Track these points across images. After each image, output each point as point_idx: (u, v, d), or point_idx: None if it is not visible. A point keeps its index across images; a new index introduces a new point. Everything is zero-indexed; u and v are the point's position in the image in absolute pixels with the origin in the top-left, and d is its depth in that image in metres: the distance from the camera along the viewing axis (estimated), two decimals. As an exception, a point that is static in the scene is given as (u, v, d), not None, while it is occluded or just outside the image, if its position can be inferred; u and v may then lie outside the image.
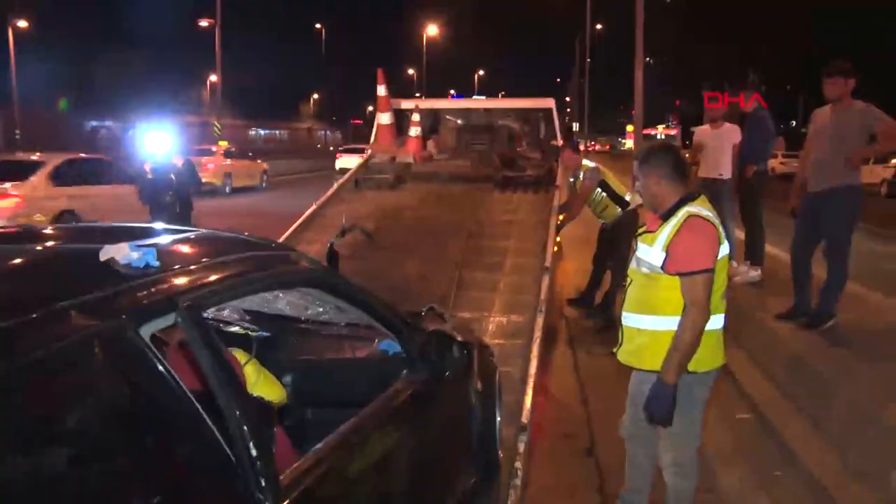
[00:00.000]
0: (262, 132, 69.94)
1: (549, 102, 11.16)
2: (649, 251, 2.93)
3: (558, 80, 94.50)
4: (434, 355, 2.75)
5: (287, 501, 1.69)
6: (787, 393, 4.88)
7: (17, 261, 1.89)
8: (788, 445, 4.23)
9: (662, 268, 2.87)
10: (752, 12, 45.34)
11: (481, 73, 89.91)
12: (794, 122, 38.27)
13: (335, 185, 8.66)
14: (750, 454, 4.25)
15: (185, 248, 2.17)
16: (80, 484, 1.33)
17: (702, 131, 7.91)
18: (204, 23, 39.81)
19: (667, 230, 2.89)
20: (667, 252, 2.86)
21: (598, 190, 6.88)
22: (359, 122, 70.45)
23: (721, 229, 2.95)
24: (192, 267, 1.91)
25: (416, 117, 10.02)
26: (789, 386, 4.92)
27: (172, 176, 7.60)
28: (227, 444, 1.62)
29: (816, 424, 4.35)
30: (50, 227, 3.06)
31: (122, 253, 1.77)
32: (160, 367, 1.58)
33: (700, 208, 2.91)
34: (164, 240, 2.15)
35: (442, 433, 2.85)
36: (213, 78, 45.92)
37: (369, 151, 10.20)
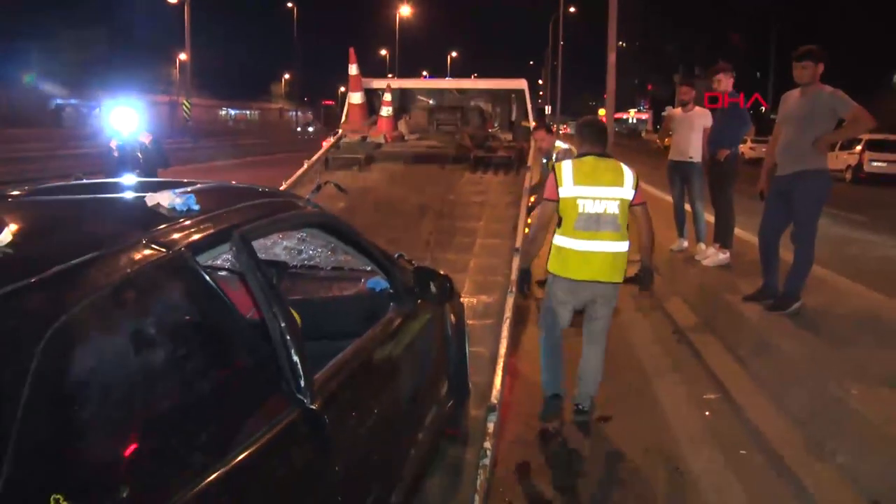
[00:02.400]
0: (232, 112, 69.11)
1: (522, 83, 11.12)
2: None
3: (531, 62, 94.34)
4: (417, 288, 3.13)
5: (320, 399, 2.04)
6: (754, 374, 4.92)
7: (83, 208, 2.25)
8: (754, 425, 4.27)
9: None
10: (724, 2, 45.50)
11: (454, 54, 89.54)
12: (764, 108, 38.56)
13: (305, 165, 8.56)
14: (717, 434, 4.28)
15: (216, 195, 2.46)
16: (164, 380, 1.63)
17: (672, 114, 7.93)
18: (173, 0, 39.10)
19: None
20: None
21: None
22: (331, 102, 69.77)
23: (566, 175, 4.04)
24: (231, 208, 2.24)
25: (387, 97, 9.93)
26: (756, 367, 4.97)
27: (139, 154, 7.44)
28: (273, 352, 1.97)
29: (781, 405, 4.39)
30: (85, 182, 3.31)
31: (167, 199, 2.07)
32: (215, 288, 1.88)
33: (565, 161, 4.21)
34: (195, 189, 2.37)
35: (426, 357, 3.30)
36: (183, 56, 45.24)
37: (340, 130, 10.10)
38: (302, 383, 1.98)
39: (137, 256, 1.69)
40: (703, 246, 7.61)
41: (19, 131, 30.59)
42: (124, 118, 7.42)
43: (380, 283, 3.37)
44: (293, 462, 1.92)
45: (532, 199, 7.40)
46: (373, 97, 10.35)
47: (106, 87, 34.73)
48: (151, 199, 2.10)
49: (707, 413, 4.60)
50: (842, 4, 36.84)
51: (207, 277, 1.86)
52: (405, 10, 66.74)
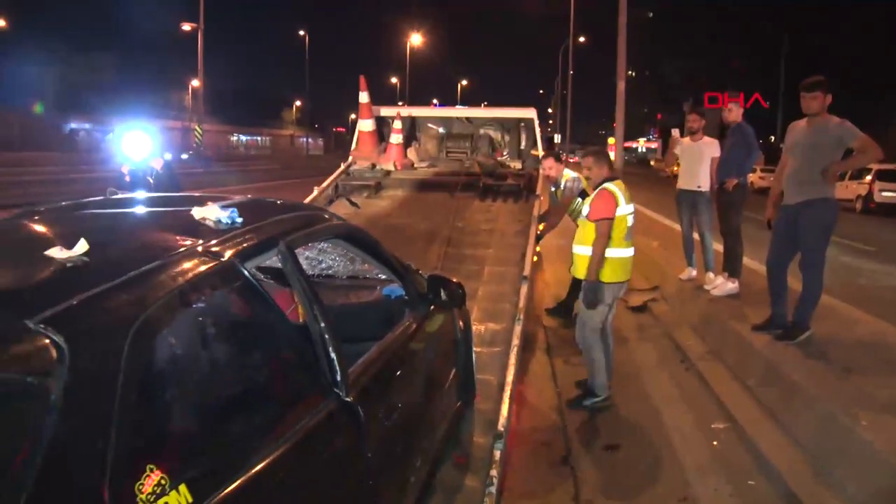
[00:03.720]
0: (243, 138, 69.66)
1: (531, 112, 11.19)
2: (585, 207, 5.02)
3: (541, 91, 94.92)
4: (431, 294, 3.43)
5: (354, 392, 2.27)
6: (763, 403, 4.91)
7: (139, 221, 2.50)
8: (762, 454, 4.26)
9: (587, 217, 4.91)
10: (732, 29, 45.79)
11: (465, 83, 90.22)
12: (773, 138, 38.60)
13: (315, 192, 8.62)
14: (725, 463, 4.27)
15: (254, 208, 2.66)
16: (224, 370, 1.88)
17: (678, 141, 7.95)
18: (187, 27, 39.64)
19: (593, 195, 4.95)
20: (589, 207, 4.93)
21: (579, 200, 6.90)
22: (341, 129, 70.33)
23: (621, 196, 4.85)
24: (270, 220, 2.47)
25: (397, 125, 10.01)
26: (764, 396, 4.96)
27: (150, 179, 7.51)
28: (313, 349, 2.22)
29: (790, 434, 4.38)
30: (120, 197, 3.57)
31: (213, 213, 2.27)
32: (262, 292, 2.10)
33: (610, 184, 4.92)
34: (234, 203, 2.58)
35: (440, 357, 3.58)
36: (196, 83, 45.74)
37: (350, 158, 10.18)
38: (338, 378, 2.23)
39: (196, 264, 1.90)
40: (711, 275, 7.60)
41: (33, 155, 30.93)
42: (136, 143, 7.48)
43: (395, 290, 3.68)
44: (333, 446, 2.16)
45: (541, 227, 7.43)
46: (383, 125, 10.43)
47: (119, 111, 35.11)
48: (198, 212, 2.30)
49: (715, 442, 4.58)
50: (852, 33, 37.02)
51: (255, 283, 2.08)
52: (416, 39, 67.46)
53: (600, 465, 4.30)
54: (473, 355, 4.26)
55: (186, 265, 1.87)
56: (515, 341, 4.98)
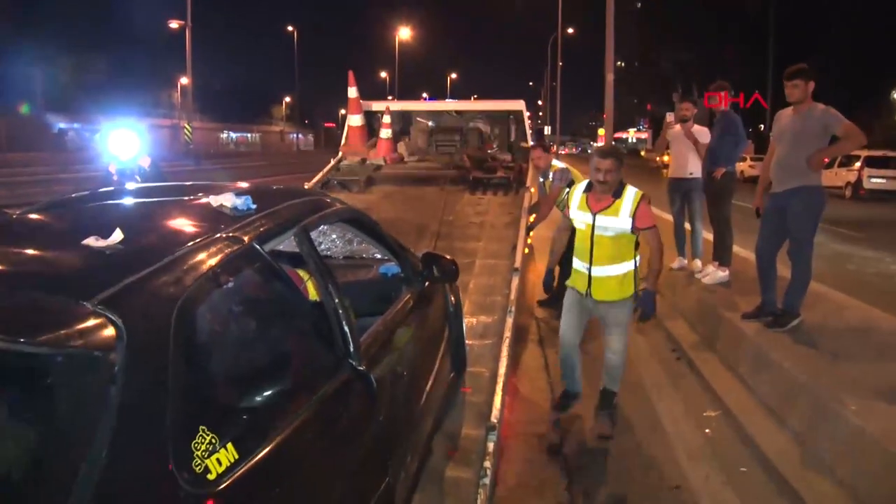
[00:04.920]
0: (233, 135, 69.41)
1: (520, 104, 11.20)
2: (616, 220, 4.35)
3: (531, 83, 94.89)
4: (426, 271, 3.65)
5: (365, 361, 2.47)
6: (753, 390, 4.94)
7: (162, 211, 2.61)
8: (754, 441, 4.28)
9: (632, 229, 4.33)
10: (721, 18, 45.74)
11: (454, 76, 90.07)
12: (763, 126, 38.68)
13: (305, 186, 8.61)
14: (717, 451, 4.30)
15: (265, 195, 2.74)
16: (255, 341, 2.11)
17: (671, 127, 7.96)
18: (175, 24, 39.42)
19: (627, 204, 4.34)
20: (633, 217, 4.31)
21: (567, 190, 6.90)
22: (332, 125, 70.16)
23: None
24: (282, 205, 2.63)
25: (386, 119, 10.01)
26: (755, 383, 4.98)
27: (138, 178, 7.47)
28: (328, 324, 2.40)
29: (781, 421, 4.41)
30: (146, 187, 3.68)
31: (229, 200, 2.40)
32: (281, 273, 2.30)
33: (637, 189, 4.43)
34: (247, 190, 2.74)
35: (435, 331, 3.82)
36: (184, 80, 45.52)
37: (340, 153, 10.16)
38: (352, 349, 2.42)
39: (222, 247, 2.05)
40: (698, 263, 7.63)
41: (22, 156, 30.69)
42: (122, 142, 7.44)
43: (391, 268, 3.98)
44: (350, 410, 2.36)
45: (532, 218, 7.43)
46: (372, 119, 10.43)
47: (107, 110, 34.89)
48: (215, 200, 2.44)
49: (707, 430, 4.61)
50: (841, 20, 37.06)
51: (275, 264, 2.27)
52: (405, 33, 67.30)
53: (593, 456, 4.32)
54: (464, 328, 4.50)
55: (213, 249, 2.02)
56: (507, 333, 5.00)
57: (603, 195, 4.39)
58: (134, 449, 1.49)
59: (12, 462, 1.45)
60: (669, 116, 8.24)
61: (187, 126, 40.98)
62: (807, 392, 4.41)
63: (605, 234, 4.38)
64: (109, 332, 1.55)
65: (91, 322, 1.55)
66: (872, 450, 3.61)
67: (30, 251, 2.04)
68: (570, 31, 54.68)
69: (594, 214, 4.38)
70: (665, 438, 4.50)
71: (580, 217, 4.48)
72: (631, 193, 4.36)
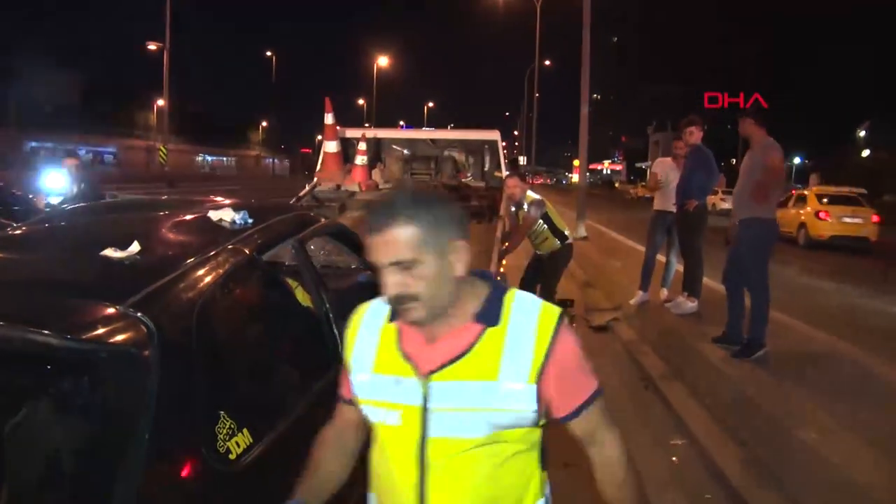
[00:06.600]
0: (209, 158, 69.13)
1: (495, 134, 11.31)
2: (492, 391, 1.54)
3: (507, 114, 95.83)
4: None
5: None
6: (720, 419, 4.99)
7: (165, 224, 2.75)
8: (719, 469, 4.32)
9: (539, 418, 1.65)
10: (697, 53, 46.71)
11: (431, 105, 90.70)
12: (735, 160, 39.37)
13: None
14: (682, 478, 4.33)
15: (259, 211, 2.90)
16: (261, 339, 2.49)
17: (664, 164, 8.10)
18: (153, 46, 39.39)
19: (520, 345, 1.56)
20: (540, 381, 1.57)
21: (541, 222, 6.99)
22: (308, 150, 70.18)
23: None
24: (275, 220, 2.82)
25: (362, 146, 10.04)
26: (721, 412, 5.04)
27: (82, 184, 7.38)
28: (319, 321, 2.66)
29: (746, 449, 4.46)
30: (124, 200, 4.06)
31: (228, 215, 2.59)
32: (280, 280, 2.65)
33: (543, 301, 1.65)
34: (243, 206, 2.91)
35: None
36: (161, 102, 45.36)
37: (315, 179, 10.18)
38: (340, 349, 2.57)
39: (227, 257, 2.27)
40: (665, 291, 7.74)
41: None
42: (55, 179, 7.44)
43: (370, 276, 4.14)
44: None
45: (505, 245, 7.48)
46: (348, 146, 10.45)
47: (82, 130, 34.62)
48: (214, 215, 2.62)
49: (674, 458, 4.65)
50: (814, 61, 38.01)
51: (271, 271, 2.51)
52: (383, 61, 67.75)
53: (557, 483, 4.32)
54: None
55: (221, 259, 2.23)
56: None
57: (440, 325, 1.57)
58: (171, 431, 1.69)
59: (71, 440, 1.70)
60: (660, 161, 8.42)
61: (162, 148, 40.79)
62: (772, 420, 4.48)
63: (460, 436, 1.55)
64: (142, 331, 1.75)
65: (126, 323, 1.76)
66: (836, 479, 3.67)
67: (54, 261, 2.28)
68: (548, 63, 55.43)
69: (424, 378, 1.54)
70: (632, 466, 4.52)
71: (387, 393, 1.60)
72: (528, 310, 1.59)
